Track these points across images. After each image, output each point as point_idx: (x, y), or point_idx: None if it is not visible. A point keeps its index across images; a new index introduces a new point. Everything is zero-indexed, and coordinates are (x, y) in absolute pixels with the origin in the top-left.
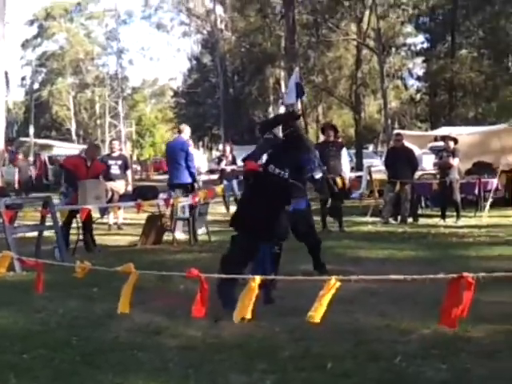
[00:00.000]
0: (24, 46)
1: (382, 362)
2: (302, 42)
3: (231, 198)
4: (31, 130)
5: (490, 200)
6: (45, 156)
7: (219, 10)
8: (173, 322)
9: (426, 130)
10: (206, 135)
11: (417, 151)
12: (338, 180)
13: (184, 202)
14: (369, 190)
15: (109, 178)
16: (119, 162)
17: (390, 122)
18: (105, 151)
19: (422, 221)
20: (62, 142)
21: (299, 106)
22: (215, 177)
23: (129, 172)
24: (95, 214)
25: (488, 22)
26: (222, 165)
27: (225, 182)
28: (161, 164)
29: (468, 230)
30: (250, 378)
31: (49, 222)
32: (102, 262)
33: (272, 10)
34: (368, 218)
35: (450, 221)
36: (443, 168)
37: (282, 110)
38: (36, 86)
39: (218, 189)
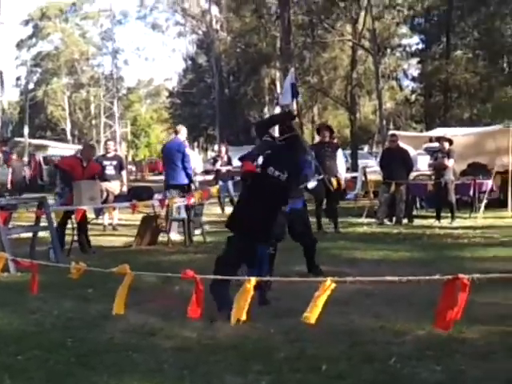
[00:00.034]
0: (19, 46)
1: (376, 363)
2: (297, 43)
3: (226, 199)
4: (26, 130)
5: (485, 201)
6: (40, 156)
7: (214, 10)
8: (168, 323)
9: (421, 131)
10: (201, 136)
11: (412, 152)
12: (334, 181)
13: (179, 202)
14: (364, 191)
15: (104, 178)
16: (114, 163)
17: (385, 122)
18: (100, 151)
19: (417, 222)
20: (56, 142)
21: (295, 106)
22: (210, 177)
23: (124, 172)
24: (90, 215)
25: (483, 23)
26: (218, 165)
27: (220, 182)
28: (156, 164)
29: (463, 231)
30: (246, 380)
31: (44, 223)
32: (97, 262)
33: (267, 11)
34: (363, 219)
35: (444, 222)
36: (438, 169)
37: (277, 110)
38: (31, 86)
39: (214, 189)
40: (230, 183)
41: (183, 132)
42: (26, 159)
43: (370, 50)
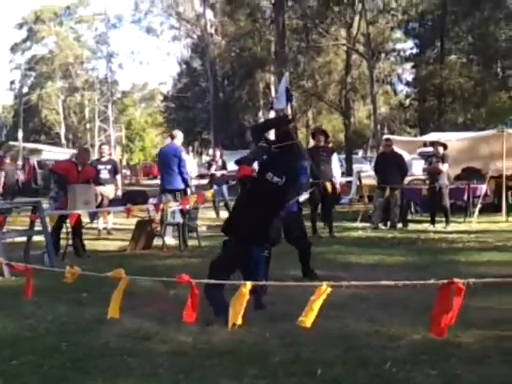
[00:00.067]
0: (13, 49)
1: (371, 367)
2: (291, 47)
3: (221, 203)
4: (20, 134)
5: (479, 206)
6: (34, 160)
7: (209, 14)
8: (163, 328)
9: (416, 136)
10: (195, 140)
11: (406, 157)
12: (328, 185)
13: (174, 206)
14: (358, 196)
15: (98, 182)
16: (109, 167)
17: (379, 127)
18: (94, 156)
19: (411, 226)
20: (51, 146)
21: (289, 111)
22: (205, 182)
23: (118, 177)
24: (85, 219)
25: (477, 27)
26: (212, 170)
27: (215, 186)
28: (151, 169)
29: (457, 236)
30: None
31: (38, 227)
32: (92, 267)
33: (262, 15)
34: (358, 224)
35: (439, 226)
36: (432, 173)
37: (271, 114)
38: (25, 89)
39: (208, 194)
40: (224, 187)
41: (179, 137)
42: (20, 163)
43: (364, 55)
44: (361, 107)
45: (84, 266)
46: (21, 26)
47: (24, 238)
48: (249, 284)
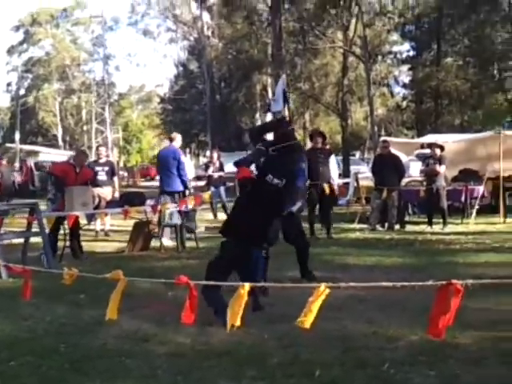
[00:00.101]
0: (10, 51)
1: (369, 368)
2: (288, 49)
3: (218, 205)
4: (17, 136)
5: (477, 207)
6: (31, 162)
7: (206, 16)
8: (161, 329)
9: (413, 137)
10: (192, 142)
11: (403, 158)
12: (326, 187)
13: (172, 208)
14: (356, 197)
15: (96, 184)
16: (106, 169)
17: (376, 129)
18: (91, 157)
19: (409, 228)
20: (48, 147)
21: (286, 113)
22: (202, 183)
23: (116, 178)
24: (82, 221)
25: (473, 30)
26: (210, 171)
27: (212, 188)
28: (148, 170)
29: (455, 237)
30: None
31: (35, 229)
32: (89, 268)
33: (259, 18)
34: (355, 225)
35: (436, 228)
36: (430, 175)
37: (268, 116)
38: (22, 91)
39: (206, 195)
40: (222, 189)
41: (178, 139)
42: (17, 165)
43: (361, 57)
44: (358, 109)
45: (81, 267)
46: (17, 28)
47: (21, 240)
48: (247, 285)
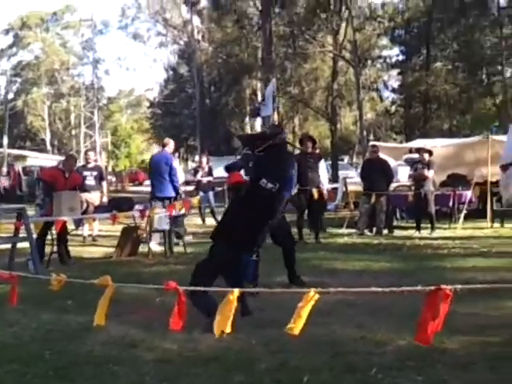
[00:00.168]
0: None
1: (358, 373)
2: (278, 54)
3: (207, 210)
4: (5, 141)
5: (464, 212)
6: (19, 167)
7: (196, 20)
8: (149, 335)
9: (401, 142)
10: (181, 146)
11: (392, 163)
12: (315, 191)
13: (161, 213)
14: (344, 202)
15: (84, 189)
16: (94, 173)
17: (365, 133)
18: (80, 162)
19: (397, 232)
20: (36, 152)
21: (275, 117)
22: (191, 188)
23: (104, 183)
24: (70, 226)
25: (462, 35)
26: (199, 176)
27: (201, 193)
28: (136, 175)
29: (443, 242)
30: None
31: (23, 234)
32: (77, 274)
33: (249, 22)
34: (344, 230)
35: (424, 232)
36: (418, 180)
37: (258, 121)
38: (11, 95)
39: (195, 200)
40: (210, 194)
41: (171, 145)
42: (4, 169)
43: (350, 61)
44: (347, 113)
45: (69, 273)
46: (7, 31)
47: (8, 245)
48: (236, 291)
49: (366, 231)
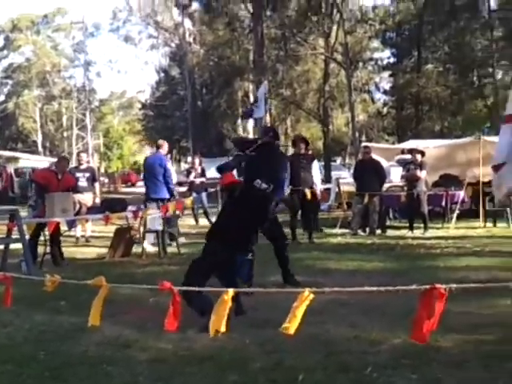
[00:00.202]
0: None
1: (352, 373)
2: (270, 56)
3: (200, 211)
4: None
5: (457, 212)
6: (11, 168)
7: (187, 23)
8: (143, 335)
9: (393, 143)
10: (174, 148)
11: (384, 164)
12: (308, 192)
13: (154, 214)
14: (337, 202)
15: (76, 190)
16: (87, 175)
17: (357, 134)
18: (72, 163)
19: (390, 232)
20: (28, 154)
21: (268, 119)
22: (184, 189)
23: (96, 184)
24: (63, 227)
25: (453, 37)
26: (191, 177)
27: (194, 194)
28: (129, 176)
29: (435, 242)
30: None
31: (16, 235)
32: (70, 275)
33: (240, 24)
34: (337, 230)
35: (417, 232)
36: (410, 180)
37: (250, 122)
38: (2, 97)
39: (188, 201)
40: (203, 195)
41: (165, 147)
42: None
43: (342, 64)
44: (339, 115)
45: (62, 273)
46: None
47: (1, 246)
48: (231, 291)
49: (360, 231)
